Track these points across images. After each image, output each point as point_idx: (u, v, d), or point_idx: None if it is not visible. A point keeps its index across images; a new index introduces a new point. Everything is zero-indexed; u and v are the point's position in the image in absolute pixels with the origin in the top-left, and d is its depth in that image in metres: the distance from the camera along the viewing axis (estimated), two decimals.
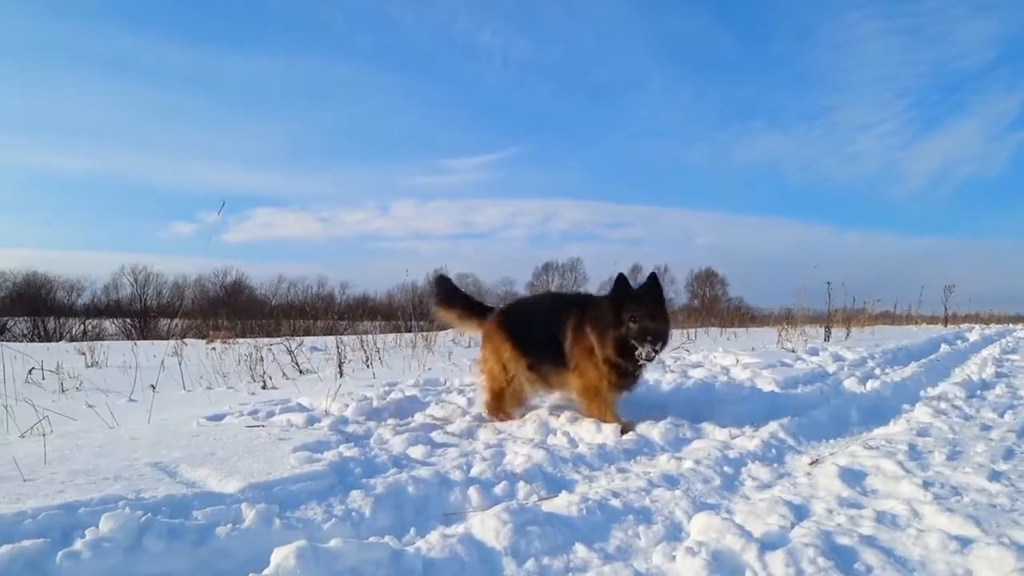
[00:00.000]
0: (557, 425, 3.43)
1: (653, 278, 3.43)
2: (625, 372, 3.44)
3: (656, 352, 3.27)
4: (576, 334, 3.52)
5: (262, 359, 6.63)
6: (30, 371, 6.40)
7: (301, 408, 3.87)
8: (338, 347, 6.90)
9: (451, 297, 4.14)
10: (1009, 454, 2.97)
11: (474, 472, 2.52)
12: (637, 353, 3.26)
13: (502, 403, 3.71)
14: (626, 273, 3.36)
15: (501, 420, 3.64)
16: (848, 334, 12.33)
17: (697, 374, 5.43)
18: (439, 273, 3.58)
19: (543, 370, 3.68)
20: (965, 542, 1.90)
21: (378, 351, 8.05)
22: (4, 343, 7.01)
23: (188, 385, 5.69)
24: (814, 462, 2.89)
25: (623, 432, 3.24)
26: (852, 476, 2.59)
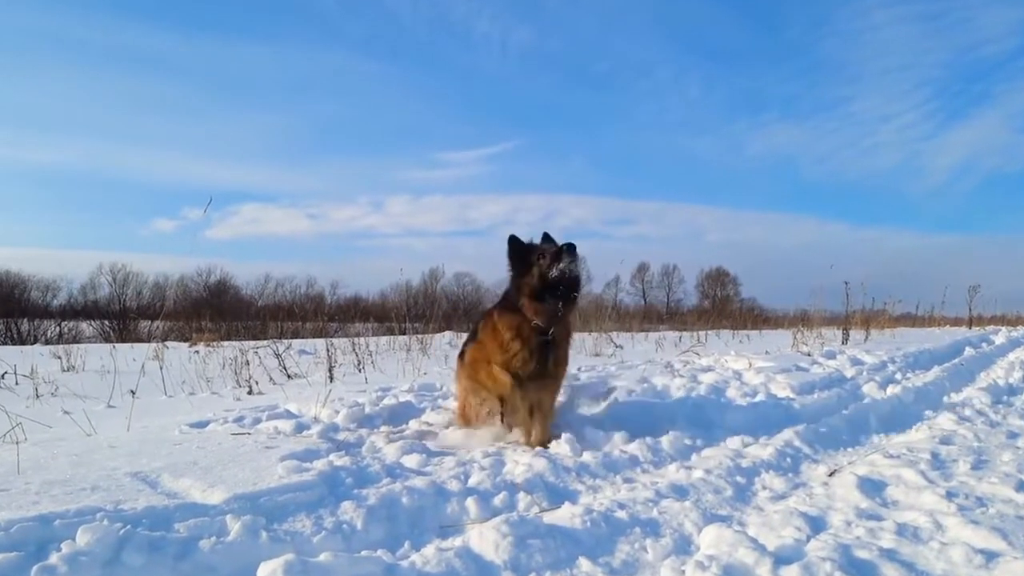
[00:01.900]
0: (559, 433, 3.42)
1: (545, 235, 3.39)
2: (537, 340, 3.20)
3: (574, 263, 3.10)
4: (482, 328, 3.48)
5: (248, 363, 6.63)
6: (2, 375, 6.40)
7: (289, 415, 3.87)
8: (328, 350, 6.89)
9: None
10: None
11: (472, 482, 2.52)
12: (559, 269, 3.08)
13: (467, 420, 3.66)
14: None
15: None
16: (867, 336, 12.33)
17: (707, 379, 5.43)
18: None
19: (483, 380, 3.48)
20: (991, 556, 1.90)
21: (370, 354, 8.05)
22: None
23: (170, 390, 5.68)
24: (831, 472, 2.89)
25: (544, 443, 3.19)
26: (871, 486, 2.59)
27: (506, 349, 3.25)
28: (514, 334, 3.23)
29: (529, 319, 3.20)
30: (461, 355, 3.76)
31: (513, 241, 3.31)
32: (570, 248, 3.13)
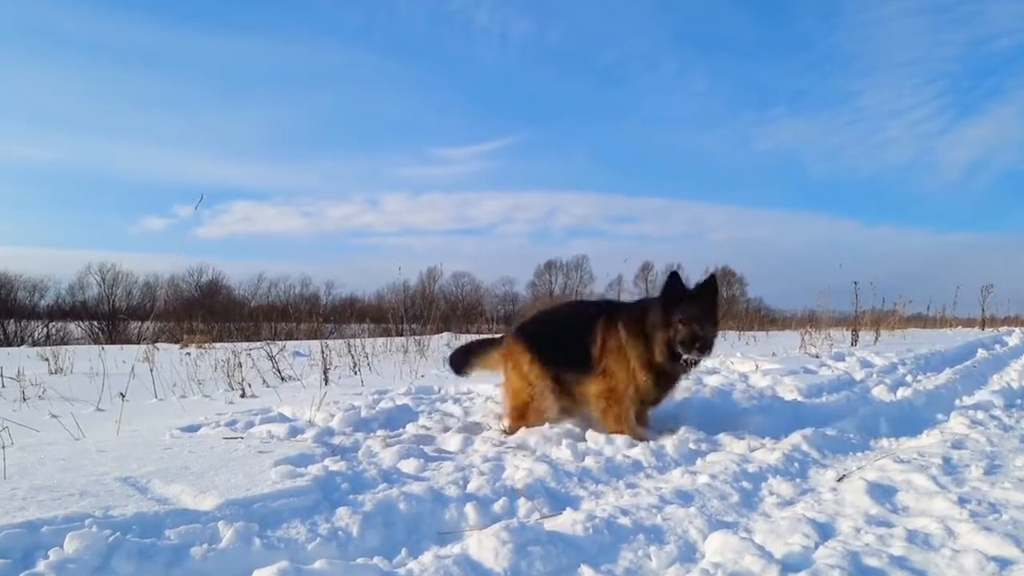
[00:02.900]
0: (561, 437, 3.43)
1: (712, 279, 3.50)
2: (660, 379, 3.52)
3: (702, 357, 3.40)
4: (606, 336, 3.57)
5: (240, 365, 6.63)
6: None
7: (283, 418, 3.87)
8: (323, 352, 6.90)
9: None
10: None
11: (471, 488, 2.52)
12: (683, 359, 3.37)
13: (525, 419, 3.71)
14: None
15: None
16: (877, 338, 12.35)
17: (713, 381, 5.43)
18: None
19: (566, 380, 3.70)
20: (1004, 563, 1.90)
21: (367, 356, 8.06)
22: None
23: (160, 393, 5.69)
24: (840, 477, 2.89)
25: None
26: (881, 492, 2.60)
27: (633, 371, 3.50)
28: (646, 363, 3.48)
29: (661, 352, 3.43)
30: (523, 337, 3.81)
31: (673, 280, 3.48)
32: (704, 345, 3.37)
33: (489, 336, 4.27)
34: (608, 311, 3.68)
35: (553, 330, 3.87)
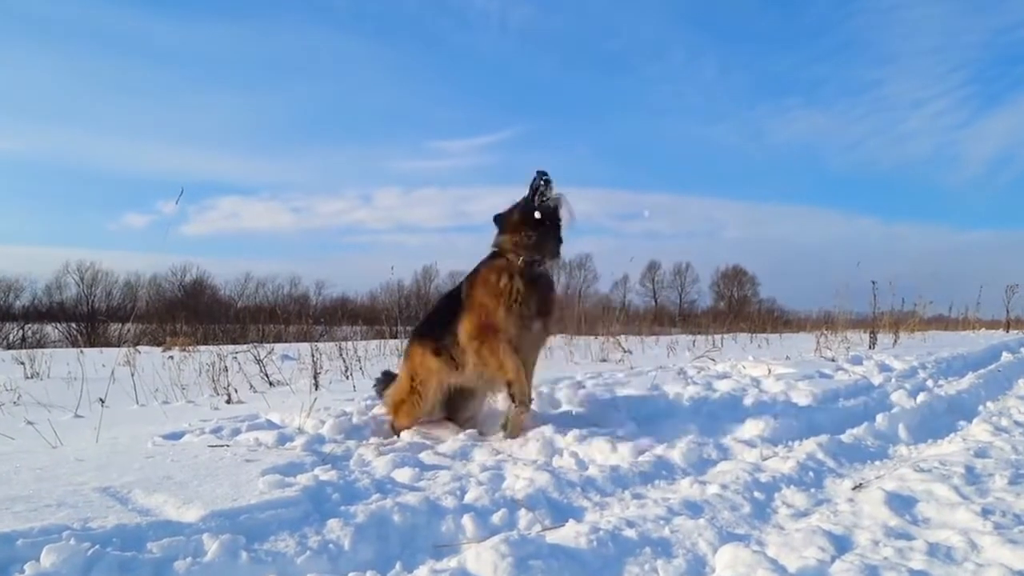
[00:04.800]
0: (563, 445, 3.43)
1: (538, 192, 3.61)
2: (526, 294, 3.51)
3: (554, 193, 3.52)
4: (469, 287, 3.69)
5: (226, 369, 6.63)
6: None
7: (271, 425, 3.87)
8: (313, 355, 6.90)
9: None
10: None
11: (469, 498, 2.52)
12: (537, 199, 3.51)
13: (401, 409, 3.82)
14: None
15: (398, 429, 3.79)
16: (896, 340, 12.33)
17: (723, 386, 5.43)
18: None
19: (448, 347, 3.70)
20: None
21: (359, 360, 8.06)
22: None
23: (142, 399, 5.69)
24: (857, 487, 2.89)
25: (515, 401, 3.52)
26: (901, 502, 2.60)
27: (499, 293, 3.49)
28: (503, 276, 3.52)
29: (515, 259, 3.54)
30: (419, 337, 3.92)
31: (519, 206, 3.64)
32: (540, 173, 3.51)
33: None
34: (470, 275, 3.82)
35: (433, 317, 4.03)
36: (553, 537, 2.16)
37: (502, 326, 3.51)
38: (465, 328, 3.58)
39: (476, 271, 3.72)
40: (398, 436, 3.72)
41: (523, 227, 3.54)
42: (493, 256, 3.69)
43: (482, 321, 3.53)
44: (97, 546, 1.81)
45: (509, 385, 3.53)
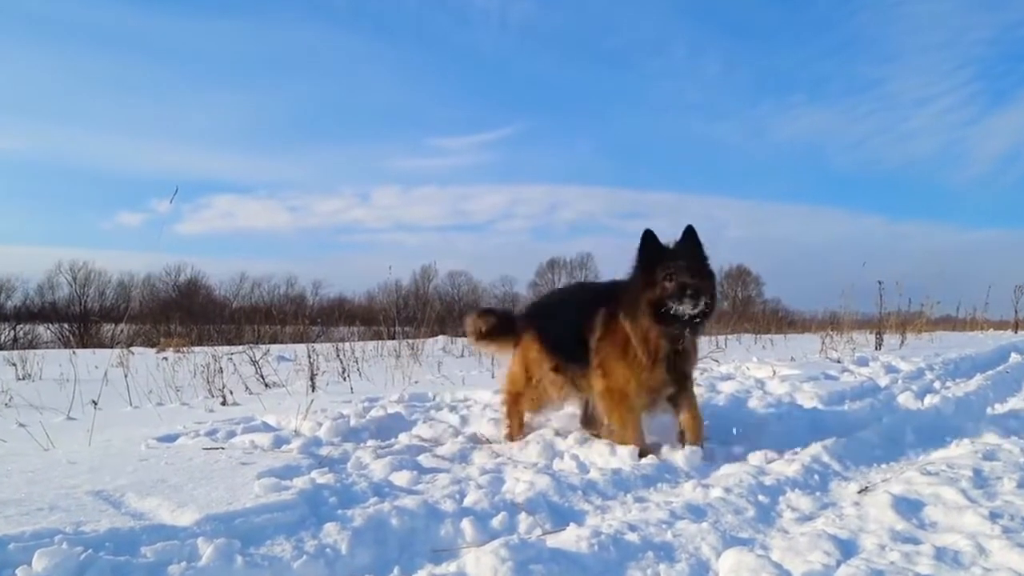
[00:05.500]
0: (564, 447, 3.44)
1: (689, 230, 3.45)
2: (665, 357, 3.38)
3: (699, 309, 3.22)
4: (606, 326, 3.56)
5: (221, 370, 6.64)
6: None
7: (267, 427, 3.87)
8: (310, 356, 6.90)
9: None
10: None
11: (468, 502, 2.52)
12: (677, 311, 3.20)
13: (519, 405, 3.88)
14: None
15: (509, 431, 3.85)
16: (903, 341, 12.34)
17: (727, 388, 5.43)
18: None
19: (570, 371, 3.73)
20: None
21: (356, 361, 8.06)
22: None
23: (135, 401, 5.69)
24: (863, 490, 2.89)
25: (641, 455, 3.25)
26: (907, 506, 2.59)
27: (634, 360, 3.39)
28: (641, 341, 3.38)
29: (656, 332, 3.34)
30: (531, 325, 3.91)
31: (648, 239, 3.41)
32: (694, 293, 3.19)
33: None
34: (614, 297, 3.63)
35: (557, 315, 3.96)
36: (554, 541, 2.16)
37: (636, 397, 3.45)
38: (599, 383, 3.53)
39: (612, 311, 3.51)
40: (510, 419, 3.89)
41: (663, 319, 3.28)
42: (631, 296, 3.40)
43: (614, 385, 3.48)
44: (90, 550, 1.81)
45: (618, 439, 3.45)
